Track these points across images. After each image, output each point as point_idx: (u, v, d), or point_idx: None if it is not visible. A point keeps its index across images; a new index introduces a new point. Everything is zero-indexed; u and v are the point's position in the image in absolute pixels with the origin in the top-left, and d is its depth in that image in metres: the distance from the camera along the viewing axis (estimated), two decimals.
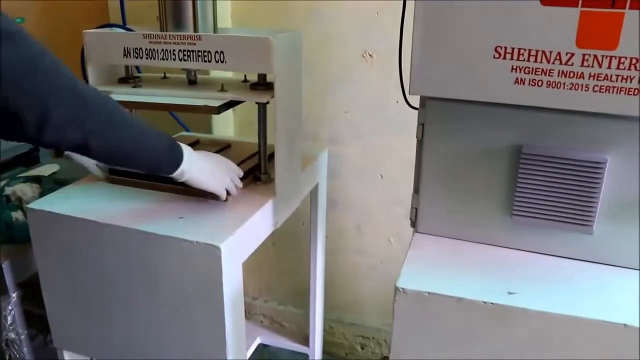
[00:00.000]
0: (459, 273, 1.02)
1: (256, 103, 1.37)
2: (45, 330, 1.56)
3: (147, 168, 1.16)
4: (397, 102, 1.93)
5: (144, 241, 1.21)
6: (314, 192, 1.76)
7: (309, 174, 1.65)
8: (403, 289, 0.97)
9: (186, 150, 1.19)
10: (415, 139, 1.11)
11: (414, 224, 1.18)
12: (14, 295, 1.35)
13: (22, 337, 1.39)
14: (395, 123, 1.98)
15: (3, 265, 1.51)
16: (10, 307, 1.37)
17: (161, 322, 1.28)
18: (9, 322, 1.37)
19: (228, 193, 1.33)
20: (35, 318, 1.55)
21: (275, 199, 1.38)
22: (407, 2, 1.22)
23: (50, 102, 0.90)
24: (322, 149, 1.80)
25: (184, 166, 1.17)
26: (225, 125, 2.11)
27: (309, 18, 1.96)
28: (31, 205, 1.35)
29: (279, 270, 2.39)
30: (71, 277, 1.35)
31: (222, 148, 1.66)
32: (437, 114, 1.06)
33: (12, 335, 1.40)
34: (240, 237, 1.22)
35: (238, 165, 1.39)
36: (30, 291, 1.50)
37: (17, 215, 1.69)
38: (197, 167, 1.22)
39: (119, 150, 1.05)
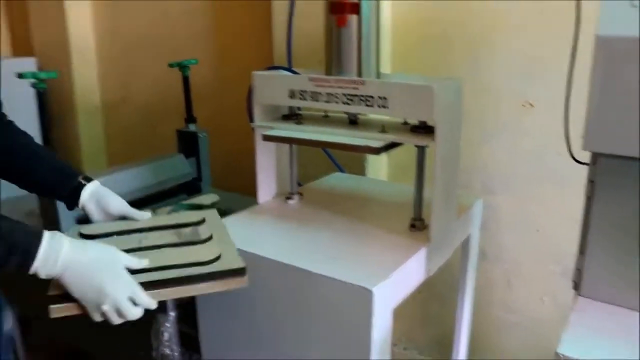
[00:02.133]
0: (626, 345, 0.95)
1: (416, 146, 1.38)
2: (195, 350, 1.65)
3: None
4: (559, 153, 1.85)
5: (296, 277, 1.25)
6: (466, 242, 1.73)
7: (462, 223, 1.62)
8: (564, 355, 0.91)
9: (49, 244, 1.02)
10: (577, 194, 1.06)
11: (577, 286, 1.11)
12: (172, 314, 1.44)
13: (176, 353, 1.47)
14: (554, 175, 1.89)
15: None
16: (167, 325, 1.46)
17: (307, 357, 1.31)
18: (165, 338, 1.46)
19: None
20: (186, 337, 1.65)
21: (430, 245, 1.37)
22: (576, 51, 1.19)
23: None
24: (476, 198, 1.77)
25: (38, 264, 1.01)
26: (379, 168, 2.14)
27: (468, 64, 1.96)
28: None
29: (423, 318, 2.35)
30: (225, 305, 1.43)
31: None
32: (610, 171, 1.01)
33: (167, 351, 1.48)
34: (394, 282, 1.22)
35: None
36: (186, 312, 1.60)
37: None
38: (67, 270, 1.03)
39: None
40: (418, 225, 1.46)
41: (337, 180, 1.91)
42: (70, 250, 1.03)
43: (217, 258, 1.15)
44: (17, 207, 2.07)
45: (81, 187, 1.31)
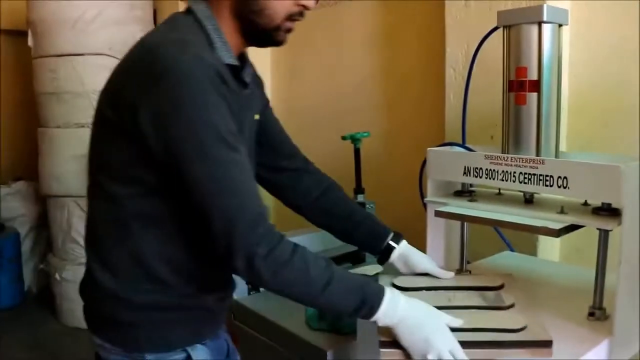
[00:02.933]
0: None
1: (598, 229, 1.30)
2: None
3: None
4: None
5: None
6: None
7: None
8: None
9: (390, 299, 1.18)
10: None
11: None
12: None
13: None
14: None
15: (328, 353, 1.66)
16: None
17: None
18: None
19: None
20: None
21: (612, 338, 1.27)
22: None
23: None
24: None
25: (380, 315, 1.17)
26: (551, 250, 2.05)
27: None
28: None
29: None
30: None
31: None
32: None
33: None
34: None
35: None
36: None
37: None
38: (401, 322, 1.18)
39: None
40: (598, 314, 1.35)
41: (507, 259, 1.85)
42: (406, 306, 1.18)
43: (524, 327, 1.19)
44: None
45: (391, 248, 1.48)
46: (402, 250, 1.48)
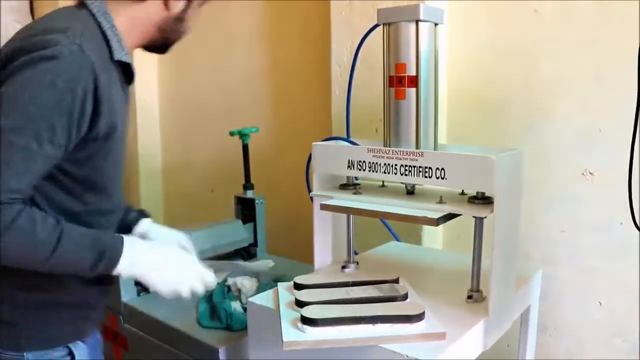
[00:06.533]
0: None
1: (474, 217, 1.38)
2: None
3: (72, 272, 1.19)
4: (621, 223, 1.82)
5: (352, 347, 1.24)
6: (525, 315, 1.69)
7: (521, 295, 1.59)
8: None
9: (129, 246, 1.20)
10: None
11: None
12: None
13: None
14: (618, 247, 1.85)
15: (220, 350, 1.65)
16: None
17: None
18: None
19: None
20: None
21: (487, 319, 1.35)
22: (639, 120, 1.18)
23: None
24: (536, 269, 1.74)
25: (124, 265, 1.18)
26: (434, 237, 2.14)
27: (524, 134, 1.96)
28: (252, 300, 1.46)
29: None
30: None
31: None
32: None
33: None
34: (449, 357, 1.20)
35: None
36: None
37: (235, 305, 1.84)
38: (141, 264, 1.21)
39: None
40: (476, 297, 1.44)
41: (393, 249, 1.92)
42: (147, 250, 1.24)
43: (423, 313, 1.24)
44: None
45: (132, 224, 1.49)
46: (143, 227, 1.49)
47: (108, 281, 1.34)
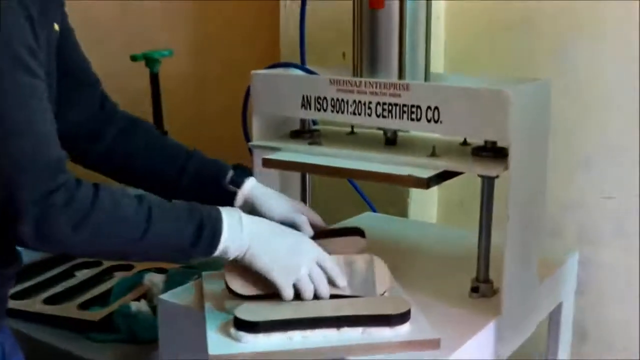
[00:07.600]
0: None
1: (480, 176, 1.39)
2: None
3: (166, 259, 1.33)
4: None
5: None
6: (556, 315, 1.72)
7: (549, 288, 1.62)
8: None
9: (231, 223, 1.26)
10: None
11: None
12: None
13: None
14: None
15: None
16: None
17: None
18: None
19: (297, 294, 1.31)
20: None
21: (500, 319, 1.37)
22: None
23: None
24: (569, 251, 1.77)
25: (228, 238, 1.25)
26: (425, 206, 2.16)
27: (554, 62, 1.99)
28: (164, 297, 1.48)
29: None
30: None
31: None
32: None
33: None
34: None
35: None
36: None
37: (140, 305, 1.85)
38: (254, 239, 1.28)
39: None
40: (483, 289, 1.46)
41: (368, 222, 1.90)
42: (248, 220, 1.29)
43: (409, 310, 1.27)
44: None
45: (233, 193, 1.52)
46: (247, 193, 1.50)
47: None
